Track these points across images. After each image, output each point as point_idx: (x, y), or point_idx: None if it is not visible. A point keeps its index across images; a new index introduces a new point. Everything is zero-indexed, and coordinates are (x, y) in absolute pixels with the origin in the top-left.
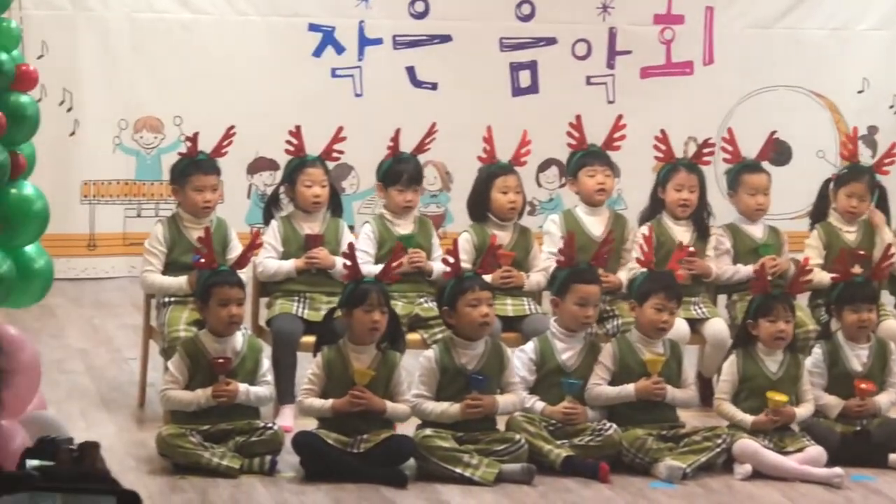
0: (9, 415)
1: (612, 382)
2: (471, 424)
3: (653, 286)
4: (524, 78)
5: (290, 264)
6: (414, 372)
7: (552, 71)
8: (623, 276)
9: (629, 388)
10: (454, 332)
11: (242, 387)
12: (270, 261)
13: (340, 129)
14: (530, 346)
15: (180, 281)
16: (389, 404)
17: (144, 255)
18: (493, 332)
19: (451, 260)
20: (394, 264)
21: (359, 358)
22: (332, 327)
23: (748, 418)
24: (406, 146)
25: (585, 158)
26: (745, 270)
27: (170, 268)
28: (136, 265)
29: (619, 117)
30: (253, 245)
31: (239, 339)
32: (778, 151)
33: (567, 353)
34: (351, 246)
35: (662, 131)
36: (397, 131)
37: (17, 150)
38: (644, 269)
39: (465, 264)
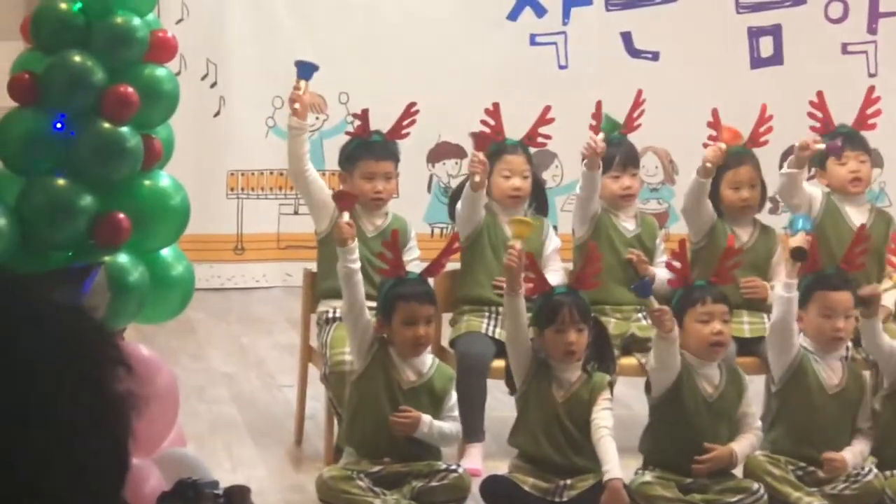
0: (141, 452)
1: None
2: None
3: None
4: (765, 46)
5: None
6: (630, 404)
7: (800, 37)
8: (890, 299)
9: None
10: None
11: (426, 418)
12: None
13: (548, 108)
14: None
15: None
16: (600, 447)
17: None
18: (727, 355)
19: (678, 265)
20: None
21: (560, 379)
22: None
23: None
24: None
25: None
26: None
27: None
28: (292, 273)
29: (871, 89)
30: (449, 249)
31: (427, 359)
32: None
33: (826, 371)
34: (529, 256)
35: None
36: (598, 104)
37: (151, 134)
38: None
39: None
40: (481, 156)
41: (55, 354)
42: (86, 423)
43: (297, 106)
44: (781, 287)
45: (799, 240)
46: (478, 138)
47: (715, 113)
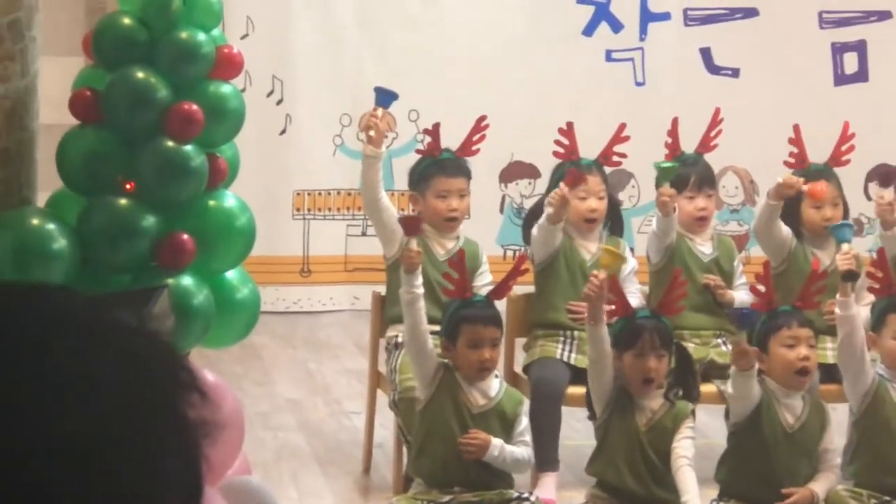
0: (206, 480)
1: None
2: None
3: None
4: (850, 62)
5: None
6: (709, 433)
7: (886, 53)
8: None
9: None
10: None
11: (496, 441)
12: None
13: (623, 126)
14: None
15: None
16: (679, 477)
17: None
18: (811, 385)
19: (763, 289)
20: (676, 293)
21: (643, 407)
22: None
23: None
24: (690, 144)
25: None
26: None
27: None
28: (360, 296)
29: None
30: (517, 271)
31: (494, 383)
32: None
33: None
34: (613, 278)
35: None
36: (674, 121)
37: (216, 153)
38: None
39: None
40: (566, 191)
41: (126, 379)
42: (159, 450)
43: (372, 133)
44: (837, 307)
45: (846, 262)
46: (569, 174)
47: (797, 129)
